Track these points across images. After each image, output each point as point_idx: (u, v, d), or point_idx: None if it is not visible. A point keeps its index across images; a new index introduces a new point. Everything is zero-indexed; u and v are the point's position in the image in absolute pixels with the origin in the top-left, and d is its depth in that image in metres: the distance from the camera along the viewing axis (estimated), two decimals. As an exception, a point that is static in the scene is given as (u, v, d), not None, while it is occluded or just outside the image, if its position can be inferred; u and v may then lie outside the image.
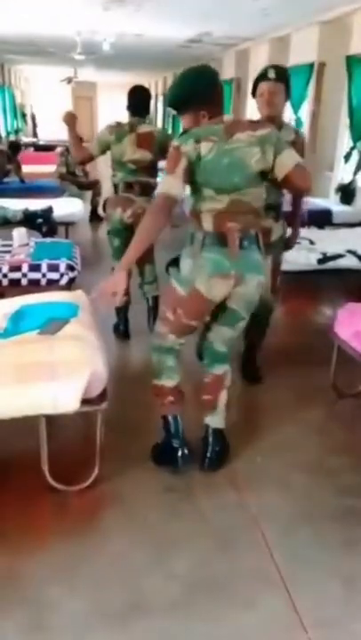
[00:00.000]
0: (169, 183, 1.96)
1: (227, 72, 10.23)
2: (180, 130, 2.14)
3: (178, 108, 2.06)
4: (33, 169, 8.25)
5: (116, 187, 3.47)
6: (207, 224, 2.03)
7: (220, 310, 2.20)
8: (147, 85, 3.87)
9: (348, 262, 4.24)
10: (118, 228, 3.43)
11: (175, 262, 2.16)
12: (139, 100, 3.48)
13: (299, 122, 6.99)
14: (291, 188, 2.09)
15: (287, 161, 1.99)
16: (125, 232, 3.30)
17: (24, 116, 16.18)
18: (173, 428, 2.29)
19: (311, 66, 6.54)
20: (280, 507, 2.18)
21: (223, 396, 2.33)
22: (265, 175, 2.03)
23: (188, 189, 2.06)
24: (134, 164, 3.33)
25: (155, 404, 2.33)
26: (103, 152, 3.39)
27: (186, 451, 2.29)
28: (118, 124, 3.41)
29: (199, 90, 2.01)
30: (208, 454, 2.34)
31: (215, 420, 2.34)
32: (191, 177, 1.97)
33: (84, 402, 2.06)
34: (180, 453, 2.29)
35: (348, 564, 1.93)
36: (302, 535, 2.05)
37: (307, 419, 2.80)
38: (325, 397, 2.92)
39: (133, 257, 2.01)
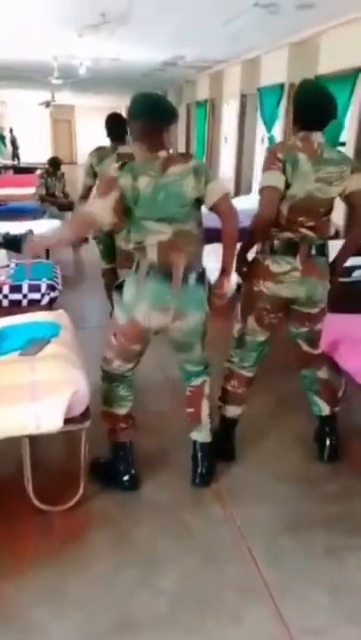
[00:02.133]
0: (98, 206, 1.99)
1: (201, 93, 10.46)
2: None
3: (127, 115, 2.14)
4: (13, 191, 8.28)
5: None
6: (152, 255, 2.04)
7: (170, 339, 2.23)
8: (124, 107, 4.09)
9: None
10: (100, 236, 3.87)
11: (120, 287, 2.18)
12: (116, 126, 3.84)
13: (272, 139, 7.16)
14: (218, 215, 2.08)
15: (216, 189, 2.04)
16: (106, 239, 3.81)
17: (3, 139, 16.25)
18: (123, 453, 2.30)
19: (282, 86, 6.73)
20: (265, 518, 2.20)
21: (205, 406, 2.35)
22: (199, 203, 2.07)
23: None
24: None
25: (105, 428, 2.32)
26: (95, 176, 3.85)
27: (133, 472, 2.31)
28: (99, 148, 3.92)
29: (133, 106, 2.07)
30: (199, 470, 2.35)
31: (202, 435, 2.36)
32: (127, 210, 2.00)
33: (68, 421, 2.07)
34: (126, 477, 2.30)
35: (333, 571, 1.96)
36: (287, 545, 2.07)
37: (289, 428, 2.84)
38: (303, 407, 2.95)
39: (40, 247, 2.28)
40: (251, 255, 2.36)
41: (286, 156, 2.16)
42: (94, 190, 2.06)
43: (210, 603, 1.82)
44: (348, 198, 2.27)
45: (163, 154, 2.04)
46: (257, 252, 2.35)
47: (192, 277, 2.08)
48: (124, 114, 3.53)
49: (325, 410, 2.54)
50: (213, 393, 2.44)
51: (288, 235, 2.24)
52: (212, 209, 2.08)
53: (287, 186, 2.16)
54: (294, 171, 2.16)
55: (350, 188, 2.23)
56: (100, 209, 1.98)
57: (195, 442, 2.36)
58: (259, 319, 2.37)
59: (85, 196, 3.95)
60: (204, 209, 2.10)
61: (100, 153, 3.83)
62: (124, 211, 2.00)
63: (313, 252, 2.26)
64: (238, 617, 1.77)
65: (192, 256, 2.08)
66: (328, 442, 2.54)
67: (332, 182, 2.20)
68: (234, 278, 2.32)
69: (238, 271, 2.37)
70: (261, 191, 2.20)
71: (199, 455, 2.36)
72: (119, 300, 2.16)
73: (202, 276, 2.13)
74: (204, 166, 2.10)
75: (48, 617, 1.75)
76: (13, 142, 16.21)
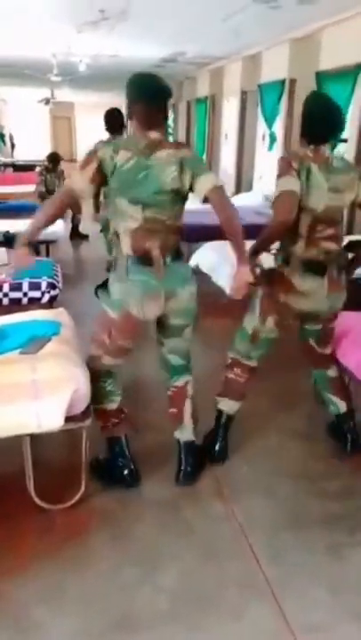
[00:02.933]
0: (75, 178, 2.05)
1: (201, 90, 10.42)
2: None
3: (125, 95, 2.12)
4: (12, 189, 8.27)
5: None
6: (126, 247, 2.06)
7: (162, 326, 2.24)
8: (124, 104, 4.19)
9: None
10: (105, 225, 3.85)
11: (104, 286, 2.19)
12: (114, 120, 4.15)
13: (273, 136, 7.15)
14: (213, 208, 2.05)
15: (205, 183, 2.02)
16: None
17: (2, 136, 16.23)
18: (119, 448, 2.31)
19: (283, 82, 6.71)
20: (265, 514, 2.21)
21: (188, 407, 2.35)
22: (179, 197, 2.06)
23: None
24: None
25: (98, 426, 2.31)
26: None
27: (133, 467, 2.31)
28: (100, 142, 3.88)
29: (129, 86, 2.07)
30: (182, 467, 2.36)
31: (184, 434, 2.36)
32: (104, 180, 2.03)
33: (69, 419, 2.07)
34: (126, 472, 2.30)
35: (334, 568, 1.96)
36: (288, 542, 2.07)
37: (289, 425, 2.84)
38: (307, 403, 2.96)
39: (30, 234, 2.14)
40: (264, 258, 2.34)
41: (300, 166, 2.16)
42: (79, 164, 2.08)
43: (211, 599, 1.82)
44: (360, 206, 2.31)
45: (154, 135, 2.03)
46: (278, 265, 2.34)
47: (171, 257, 2.09)
48: (123, 110, 3.57)
49: (343, 407, 2.56)
50: (200, 393, 2.42)
51: (313, 252, 2.25)
52: (205, 201, 2.07)
53: (302, 197, 2.16)
54: (308, 181, 2.16)
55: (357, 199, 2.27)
56: (78, 179, 2.03)
57: (177, 440, 2.37)
58: (279, 323, 2.40)
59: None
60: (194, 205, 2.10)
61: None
62: (102, 182, 2.04)
63: (341, 271, 2.33)
64: (239, 613, 1.77)
65: (165, 239, 2.07)
66: (350, 437, 2.56)
67: (343, 191, 2.22)
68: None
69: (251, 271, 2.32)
70: (278, 197, 2.16)
71: (182, 454, 2.36)
72: (107, 299, 2.16)
73: (180, 253, 2.14)
74: (195, 159, 2.07)
75: (48, 615, 1.76)
76: (11, 139, 16.19)
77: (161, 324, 2.24)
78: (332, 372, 2.57)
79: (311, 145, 2.23)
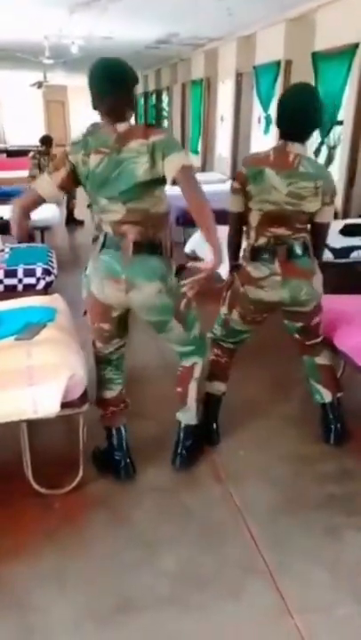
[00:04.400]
0: (44, 182, 2.02)
1: (196, 72, 10.28)
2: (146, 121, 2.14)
3: None
4: (5, 175, 8.19)
5: None
6: (107, 229, 2.04)
7: (146, 322, 2.20)
8: None
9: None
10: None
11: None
12: None
13: (269, 119, 7.07)
14: (180, 189, 1.89)
15: (173, 162, 1.88)
16: None
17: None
18: (116, 440, 2.29)
19: (278, 64, 6.61)
20: (263, 498, 2.22)
21: (193, 389, 2.33)
22: (157, 182, 1.95)
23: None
24: None
25: (98, 414, 2.31)
26: None
27: (128, 460, 2.30)
28: (93, 124, 4.08)
29: (89, 74, 1.95)
30: (178, 451, 2.36)
31: (186, 417, 2.36)
32: (76, 183, 2.01)
33: (65, 405, 2.06)
34: (122, 465, 2.29)
35: (332, 550, 1.98)
36: (286, 524, 2.09)
37: (284, 410, 2.85)
38: (302, 388, 2.96)
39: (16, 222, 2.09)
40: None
41: (249, 171, 2.20)
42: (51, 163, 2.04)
43: (210, 581, 1.84)
44: (313, 225, 2.29)
45: (121, 127, 1.93)
46: (242, 256, 2.37)
47: (145, 247, 2.00)
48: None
49: (327, 397, 2.55)
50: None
51: (263, 240, 2.26)
52: (174, 183, 1.96)
53: (249, 195, 2.21)
54: (257, 184, 2.17)
55: (317, 218, 2.25)
56: (45, 185, 2.00)
57: (179, 422, 2.37)
58: (242, 316, 2.41)
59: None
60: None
61: (93, 129, 4.17)
62: (76, 184, 2.01)
63: (292, 253, 2.25)
64: (238, 595, 1.79)
65: (147, 228, 2.00)
66: (333, 428, 2.55)
67: (305, 197, 2.16)
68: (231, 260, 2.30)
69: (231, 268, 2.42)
70: (229, 212, 2.32)
71: (181, 435, 2.36)
72: (83, 278, 2.15)
73: (157, 247, 2.03)
74: (165, 140, 1.91)
75: (49, 598, 1.77)
76: None
77: (144, 321, 2.20)
78: (320, 360, 2.54)
79: (280, 141, 2.19)
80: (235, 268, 2.40)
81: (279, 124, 2.21)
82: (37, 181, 2.08)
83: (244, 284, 2.32)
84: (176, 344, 2.28)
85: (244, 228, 2.34)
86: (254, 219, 2.24)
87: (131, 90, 1.96)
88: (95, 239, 2.09)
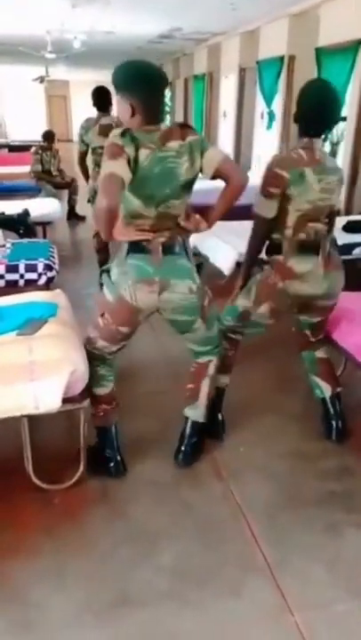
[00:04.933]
0: (113, 165, 1.84)
1: (199, 67, 10.24)
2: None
3: (115, 85, 1.98)
4: (7, 170, 8.17)
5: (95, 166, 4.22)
6: (132, 235, 2.03)
7: (170, 323, 2.21)
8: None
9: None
10: (93, 195, 4.11)
11: (108, 271, 2.16)
12: (100, 98, 4.30)
13: (272, 115, 7.04)
14: (224, 180, 2.00)
15: (214, 156, 1.98)
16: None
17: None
18: (108, 439, 2.29)
19: (282, 59, 6.58)
20: (263, 494, 2.22)
21: (206, 386, 2.33)
22: (191, 184, 2.01)
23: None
24: (101, 149, 3.71)
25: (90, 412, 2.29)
26: (85, 145, 4.32)
27: (119, 458, 2.29)
28: (87, 120, 4.35)
29: (128, 78, 1.94)
30: (183, 447, 2.36)
31: (196, 413, 2.35)
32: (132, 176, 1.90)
33: (66, 400, 2.06)
34: (112, 464, 2.28)
35: (332, 547, 1.98)
36: (286, 521, 2.08)
37: (285, 406, 2.85)
38: (303, 384, 2.96)
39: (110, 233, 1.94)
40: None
41: (291, 173, 2.14)
42: (106, 153, 1.90)
43: (210, 578, 1.84)
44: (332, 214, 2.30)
45: (164, 126, 1.97)
46: (268, 255, 2.34)
47: (173, 247, 2.05)
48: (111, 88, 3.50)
49: (327, 391, 2.55)
50: None
51: (302, 235, 2.25)
52: (214, 177, 2.01)
53: (289, 198, 2.16)
54: (299, 186, 2.14)
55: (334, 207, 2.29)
56: (118, 167, 1.84)
57: (187, 419, 2.36)
58: (273, 311, 2.38)
59: (80, 162, 4.45)
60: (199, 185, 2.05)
61: (87, 124, 4.31)
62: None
63: (331, 247, 2.30)
64: (238, 592, 1.79)
65: (173, 232, 2.04)
66: (334, 424, 2.54)
67: (333, 190, 2.22)
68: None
69: (244, 276, 2.41)
70: (255, 219, 2.26)
71: (187, 432, 2.35)
72: (108, 282, 2.13)
73: (184, 247, 2.09)
74: (199, 140, 2.00)
75: (48, 593, 1.77)
76: None
77: (168, 321, 2.21)
78: (320, 354, 2.57)
79: (305, 138, 2.19)
80: (258, 263, 2.38)
81: (303, 122, 2.20)
82: (108, 168, 1.84)
83: (284, 279, 2.29)
84: (197, 344, 2.29)
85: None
86: (291, 219, 2.22)
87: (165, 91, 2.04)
88: (119, 245, 2.07)
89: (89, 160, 4.38)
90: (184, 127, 2.02)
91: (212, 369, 2.34)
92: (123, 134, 1.89)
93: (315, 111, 2.17)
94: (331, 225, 2.33)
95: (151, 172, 1.92)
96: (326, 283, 2.32)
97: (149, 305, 2.09)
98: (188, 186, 2.02)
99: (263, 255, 2.37)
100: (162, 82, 2.01)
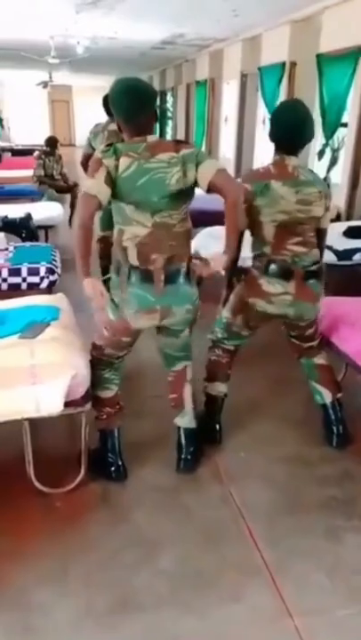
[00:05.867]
0: (90, 184, 1.93)
1: (201, 73, 10.29)
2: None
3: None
4: (10, 174, 8.20)
5: None
6: (132, 257, 2.01)
7: (159, 327, 2.20)
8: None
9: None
10: None
11: (107, 282, 2.15)
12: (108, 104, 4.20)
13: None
14: (218, 193, 1.98)
15: (209, 168, 1.97)
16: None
17: (0, 120, 16.05)
18: (110, 443, 2.29)
19: (283, 65, 6.62)
20: (263, 499, 2.22)
21: (188, 392, 2.35)
22: (185, 195, 2.01)
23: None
24: None
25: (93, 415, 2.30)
26: (93, 148, 4.18)
27: (120, 463, 2.30)
28: (96, 125, 4.34)
29: (112, 98, 1.99)
30: (183, 456, 2.36)
31: (185, 421, 2.36)
32: (113, 189, 1.94)
33: (68, 404, 2.07)
34: (113, 468, 2.29)
35: (332, 552, 1.98)
36: (286, 526, 2.09)
37: (285, 411, 2.85)
38: (303, 389, 2.96)
39: (83, 271, 1.98)
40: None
41: (254, 186, 2.21)
42: (87, 172, 2.02)
43: (210, 582, 1.84)
44: (317, 232, 2.34)
45: (151, 138, 1.99)
46: (252, 266, 2.36)
47: (176, 275, 2.05)
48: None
49: (328, 397, 2.55)
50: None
51: (281, 257, 2.27)
52: (209, 190, 2.01)
53: (258, 210, 2.21)
54: (264, 197, 2.20)
55: (320, 224, 2.33)
56: (95, 185, 1.92)
57: (179, 428, 2.37)
58: (246, 323, 2.44)
59: (83, 163, 4.43)
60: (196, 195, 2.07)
61: (95, 129, 4.32)
62: (113, 186, 1.95)
63: (308, 277, 2.31)
64: (238, 596, 1.79)
65: (174, 252, 2.03)
66: (335, 430, 2.55)
67: (312, 202, 2.24)
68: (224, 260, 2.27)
69: (228, 283, 2.44)
70: None
71: (183, 441, 2.36)
72: (110, 302, 2.10)
73: (187, 272, 2.08)
74: (195, 153, 2.00)
75: (50, 597, 1.78)
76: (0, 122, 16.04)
77: (159, 326, 2.22)
78: (319, 360, 2.57)
79: (277, 156, 2.27)
80: (237, 273, 2.42)
81: (276, 140, 2.28)
82: (86, 187, 1.95)
83: (251, 295, 2.34)
84: (173, 349, 2.30)
85: (252, 240, 2.35)
86: (269, 232, 2.26)
87: (155, 106, 2.05)
88: (117, 267, 2.07)
89: None
90: (179, 142, 2.05)
91: (189, 374, 2.36)
92: (106, 148, 1.96)
93: (286, 132, 2.25)
94: (321, 247, 2.37)
95: (135, 180, 1.94)
96: (293, 310, 2.33)
97: (150, 326, 2.15)
98: (183, 196, 2.00)
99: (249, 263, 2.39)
100: (146, 98, 2.00)
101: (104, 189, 1.92)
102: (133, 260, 2.02)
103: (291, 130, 2.24)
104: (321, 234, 2.39)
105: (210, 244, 4.12)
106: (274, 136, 2.29)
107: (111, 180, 1.93)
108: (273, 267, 2.28)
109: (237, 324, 2.45)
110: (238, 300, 2.41)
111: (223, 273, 2.27)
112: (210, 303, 2.49)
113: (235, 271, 2.42)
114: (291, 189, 2.21)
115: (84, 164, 4.48)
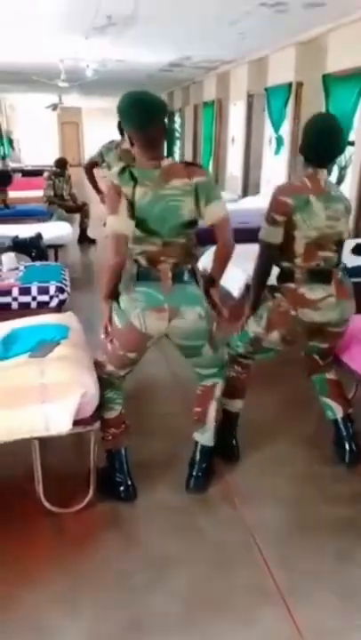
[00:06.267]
0: (115, 222, 1.97)
1: (208, 94, 10.44)
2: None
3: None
4: (21, 194, 8.33)
5: None
6: (142, 262, 2.07)
7: (177, 347, 2.23)
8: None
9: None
10: None
11: (116, 296, 2.17)
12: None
13: (280, 140, 7.14)
14: (215, 237, 2.09)
15: (218, 212, 2.05)
16: None
17: (11, 142, 16.36)
18: (117, 463, 2.27)
19: (289, 86, 6.70)
20: (275, 520, 2.19)
21: (213, 409, 2.33)
22: (195, 222, 2.07)
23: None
24: None
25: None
26: (102, 160, 4.88)
27: (130, 482, 2.27)
28: (111, 141, 4.86)
29: (122, 107, 1.99)
30: (194, 473, 2.33)
31: (205, 438, 2.34)
32: (133, 215, 1.98)
33: (77, 422, 2.07)
34: (122, 488, 2.26)
35: (345, 574, 1.94)
36: (298, 547, 2.05)
37: (297, 430, 2.82)
38: (315, 408, 2.94)
39: (106, 294, 2.13)
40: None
41: (296, 200, 2.18)
42: (106, 204, 2.02)
43: (222, 604, 1.81)
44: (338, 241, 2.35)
45: (165, 163, 2.01)
46: (279, 281, 2.36)
47: (182, 276, 2.08)
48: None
49: (339, 412, 2.53)
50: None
51: (312, 263, 2.27)
52: (210, 227, 2.08)
53: (295, 225, 2.20)
54: (304, 212, 2.18)
55: (342, 237, 2.32)
56: (121, 222, 1.96)
57: (196, 443, 2.35)
58: (284, 339, 2.40)
59: (88, 169, 4.99)
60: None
61: (110, 145, 4.90)
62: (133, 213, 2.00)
63: (343, 275, 2.34)
64: (250, 619, 1.76)
65: (181, 259, 2.08)
66: (347, 446, 2.52)
67: (339, 219, 2.26)
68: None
69: (252, 311, 2.43)
70: (261, 246, 2.31)
71: (197, 457, 2.34)
72: (117, 309, 2.13)
73: (193, 274, 2.12)
74: (208, 183, 2.05)
75: (61, 618, 1.75)
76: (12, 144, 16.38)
77: (176, 345, 2.23)
78: (329, 375, 2.57)
79: (310, 169, 2.24)
80: (274, 290, 2.38)
81: (308, 153, 2.25)
82: (112, 226, 1.99)
83: (297, 306, 2.30)
84: (203, 367, 2.30)
85: (278, 253, 2.32)
86: (299, 246, 2.25)
87: (165, 120, 2.04)
88: (125, 274, 2.09)
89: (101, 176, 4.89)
90: (190, 165, 2.07)
91: (218, 391, 2.34)
92: (122, 171, 1.98)
93: (319, 144, 2.22)
94: (339, 253, 2.36)
95: (152, 209, 1.97)
96: (338, 310, 2.33)
97: (159, 331, 2.11)
98: (193, 223, 2.07)
99: (275, 282, 2.38)
100: (156, 109, 1.99)
101: (129, 223, 1.97)
102: (142, 263, 2.07)
103: (325, 141, 2.21)
104: (341, 243, 2.37)
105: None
106: (306, 148, 2.25)
107: (132, 207, 1.97)
108: (308, 272, 2.27)
109: (272, 339, 2.40)
110: (276, 314, 2.36)
111: (229, 288, 2.27)
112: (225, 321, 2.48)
113: (262, 289, 2.40)
114: (322, 205, 2.20)
115: (89, 171, 5.01)
